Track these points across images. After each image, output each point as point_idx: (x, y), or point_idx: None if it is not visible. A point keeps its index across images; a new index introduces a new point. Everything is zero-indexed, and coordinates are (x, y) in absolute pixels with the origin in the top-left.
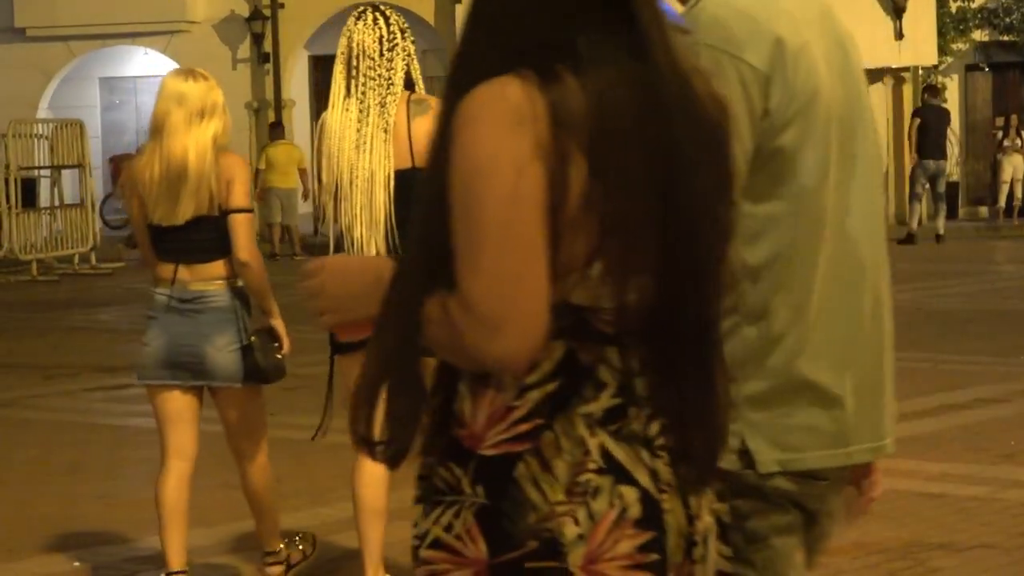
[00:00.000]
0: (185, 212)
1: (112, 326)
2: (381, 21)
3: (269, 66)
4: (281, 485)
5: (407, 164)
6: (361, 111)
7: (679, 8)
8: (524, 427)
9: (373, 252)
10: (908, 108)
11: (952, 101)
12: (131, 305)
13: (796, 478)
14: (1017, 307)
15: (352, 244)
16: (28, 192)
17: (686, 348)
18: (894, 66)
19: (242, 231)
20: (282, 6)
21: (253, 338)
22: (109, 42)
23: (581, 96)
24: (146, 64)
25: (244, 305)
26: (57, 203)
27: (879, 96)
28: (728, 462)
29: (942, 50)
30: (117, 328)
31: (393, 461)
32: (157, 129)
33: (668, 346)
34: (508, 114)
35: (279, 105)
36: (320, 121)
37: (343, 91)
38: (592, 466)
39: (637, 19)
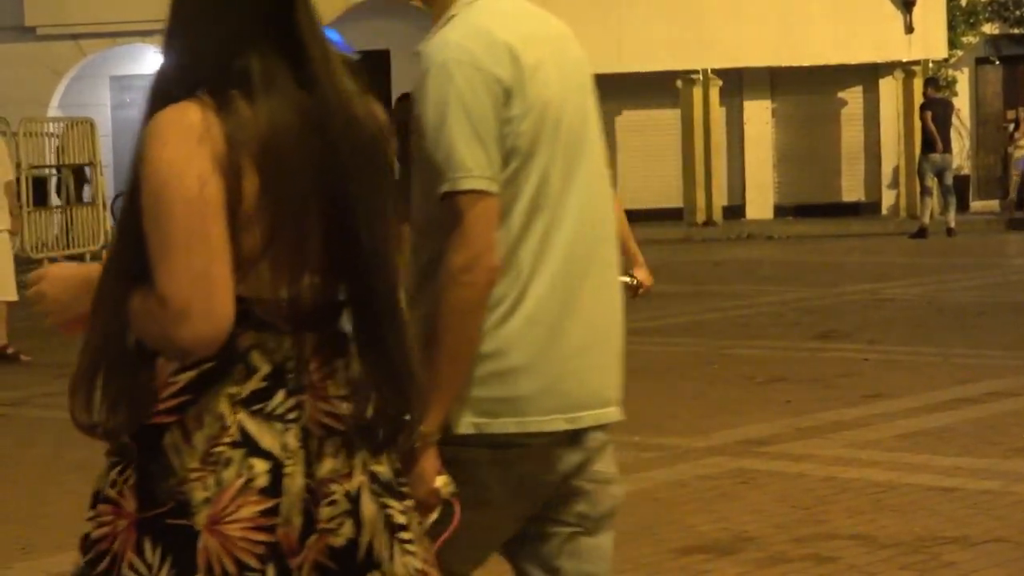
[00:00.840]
0: None
1: None
2: None
3: None
4: None
5: None
6: None
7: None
8: (173, 402)
9: None
10: (919, 102)
11: (962, 94)
12: None
13: (493, 442)
14: None
15: None
16: (39, 191)
17: (369, 330)
18: (904, 60)
19: None
20: None
21: None
22: (120, 40)
23: (252, 119)
24: (157, 62)
25: None
26: (68, 202)
27: (889, 90)
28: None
29: (952, 43)
30: None
31: (110, 438)
32: None
33: (358, 327)
34: (190, 133)
35: None
36: None
37: None
38: (227, 440)
39: (304, 49)
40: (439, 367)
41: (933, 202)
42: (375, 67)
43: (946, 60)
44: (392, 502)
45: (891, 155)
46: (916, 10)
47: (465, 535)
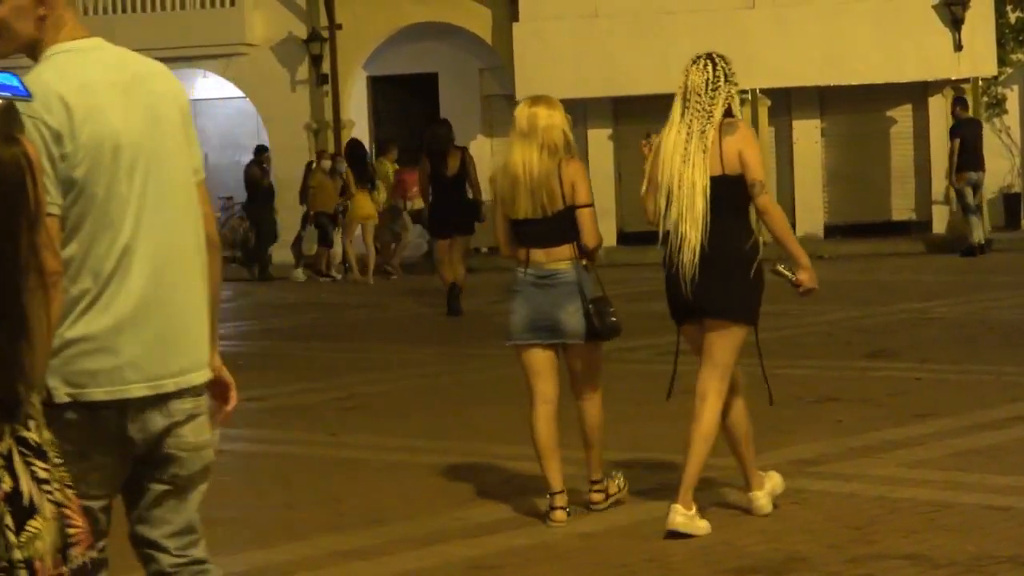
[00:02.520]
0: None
1: None
2: (710, 67)
3: (327, 87)
4: (339, 504)
5: (719, 172)
6: (688, 134)
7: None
8: None
9: (693, 243)
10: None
11: (1012, 112)
12: None
13: (84, 409)
14: None
15: (678, 236)
16: None
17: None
18: (953, 78)
19: (587, 222)
20: (340, 27)
21: (591, 305)
22: (168, 65)
23: None
24: (205, 87)
25: (585, 279)
26: None
27: (939, 108)
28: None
29: (1001, 61)
30: None
31: None
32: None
33: None
34: None
35: (338, 126)
36: (657, 139)
37: (678, 117)
38: None
39: None
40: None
41: (983, 219)
42: (423, 89)
43: (995, 78)
44: (37, 461)
45: (941, 173)
46: (965, 28)
47: (83, 479)
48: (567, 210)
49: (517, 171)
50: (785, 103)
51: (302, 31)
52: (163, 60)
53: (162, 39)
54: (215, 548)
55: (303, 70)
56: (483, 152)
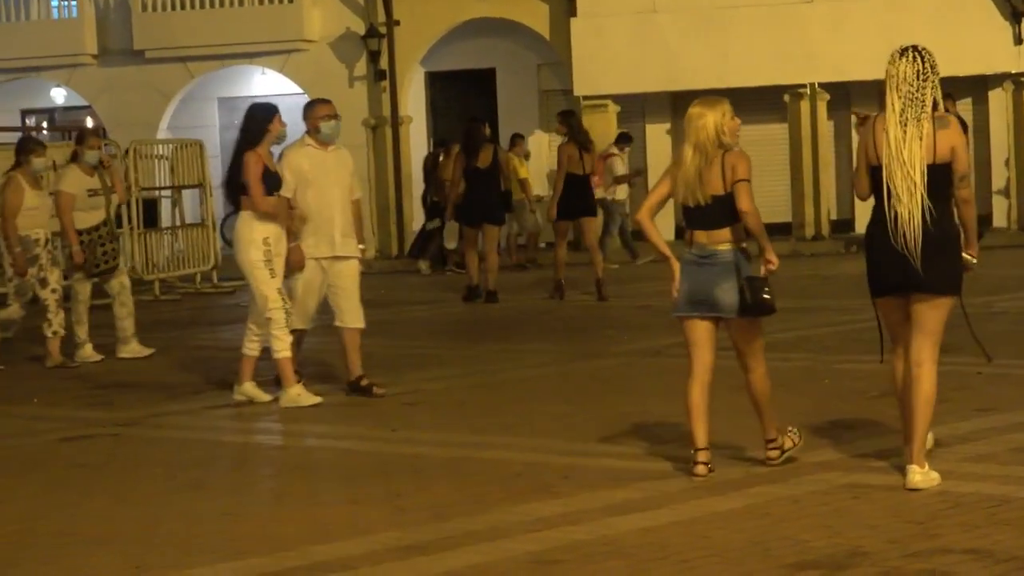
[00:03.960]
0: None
1: (234, 344)
2: (918, 58)
3: (385, 83)
4: (400, 500)
5: (931, 160)
6: (903, 123)
7: None
8: None
9: (914, 224)
10: None
11: None
12: None
13: None
14: None
15: (896, 216)
16: (149, 212)
17: None
18: (1013, 71)
19: (742, 194)
20: (398, 23)
21: (745, 282)
22: (227, 62)
23: None
24: (263, 84)
25: (742, 260)
26: (178, 223)
27: (999, 102)
28: None
29: None
30: (239, 346)
31: None
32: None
33: None
34: None
35: (396, 122)
36: (869, 120)
37: (896, 105)
38: None
39: None
40: None
41: None
42: (481, 85)
43: None
44: None
45: (1000, 167)
46: None
47: None
48: (727, 196)
49: (686, 163)
50: (844, 97)
51: (360, 27)
52: (221, 57)
53: (220, 36)
54: (274, 545)
55: (361, 66)
56: (541, 147)
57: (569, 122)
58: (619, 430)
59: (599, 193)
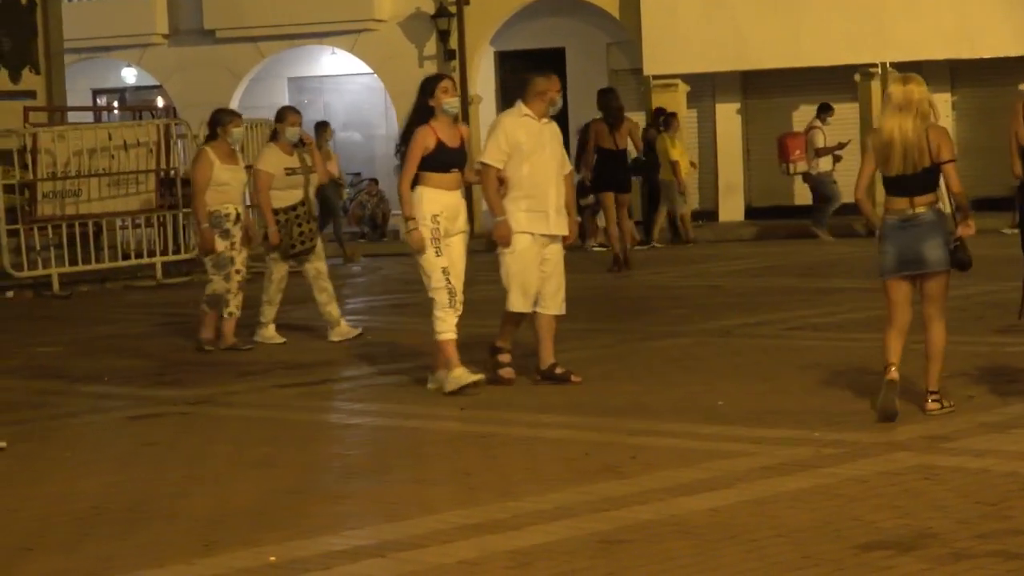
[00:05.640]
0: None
1: (303, 323)
2: None
3: (455, 63)
4: (469, 479)
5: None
6: None
7: None
8: None
9: None
10: None
11: None
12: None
13: None
14: None
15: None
16: None
17: None
18: None
19: (951, 174)
20: (467, 2)
21: (956, 242)
22: (297, 42)
23: None
24: (333, 63)
25: (943, 219)
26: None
27: None
28: None
29: None
30: (309, 326)
31: None
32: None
33: None
34: None
35: (466, 101)
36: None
37: None
38: None
39: None
40: None
41: None
42: (551, 64)
43: None
44: None
45: None
46: None
47: None
48: (933, 166)
49: (894, 136)
50: None
51: (430, 6)
52: (291, 37)
53: (290, 16)
54: (343, 522)
55: (431, 46)
56: None
57: (600, 100)
58: (687, 410)
59: (801, 167)
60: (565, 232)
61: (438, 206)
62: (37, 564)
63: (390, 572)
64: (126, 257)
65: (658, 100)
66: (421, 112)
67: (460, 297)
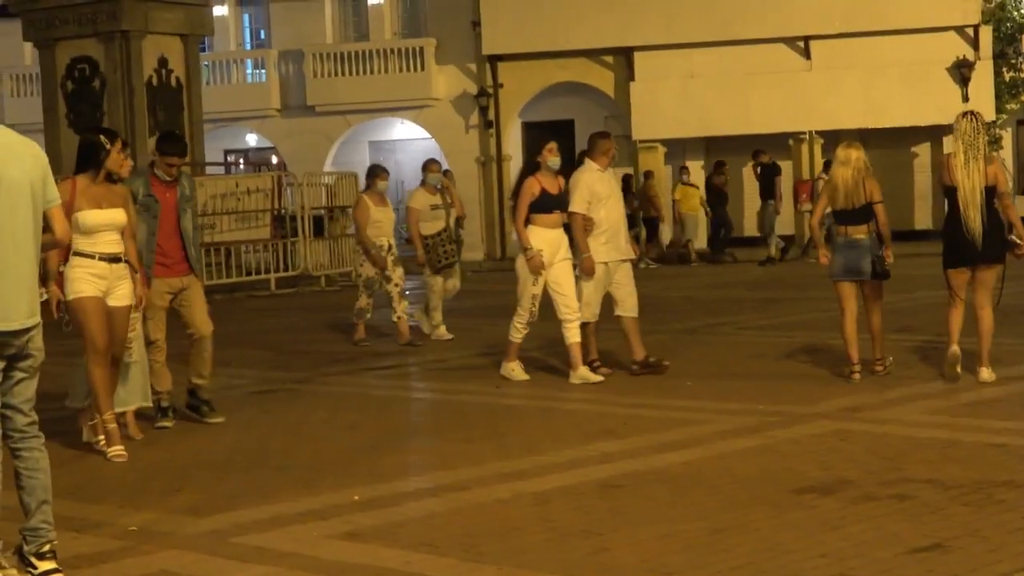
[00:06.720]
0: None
1: (377, 323)
2: (974, 119)
3: (492, 131)
4: (503, 439)
5: (984, 184)
6: (966, 163)
7: None
8: None
9: (978, 228)
10: None
11: (1007, 148)
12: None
13: None
14: None
15: (967, 225)
16: (317, 225)
17: None
18: None
19: (879, 212)
20: (502, 86)
21: (875, 258)
22: (376, 115)
23: None
24: (402, 131)
25: (874, 244)
26: (338, 233)
27: (951, 146)
28: None
29: (999, 109)
30: (380, 325)
31: None
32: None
33: None
34: None
35: (500, 159)
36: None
37: (959, 149)
38: None
39: None
40: None
41: None
42: (563, 131)
43: (995, 122)
44: None
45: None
46: (971, 84)
47: None
48: (866, 205)
49: (838, 183)
50: (834, 142)
51: (473, 88)
52: (371, 111)
53: (370, 96)
54: (409, 471)
55: (474, 117)
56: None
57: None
58: (665, 389)
59: (806, 207)
60: (633, 255)
61: (543, 242)
62: (183, 499)
63: (444, 508)
64: (248, 274)
65: (643, 158)
66: (530, 166)
67: (536, 312)
